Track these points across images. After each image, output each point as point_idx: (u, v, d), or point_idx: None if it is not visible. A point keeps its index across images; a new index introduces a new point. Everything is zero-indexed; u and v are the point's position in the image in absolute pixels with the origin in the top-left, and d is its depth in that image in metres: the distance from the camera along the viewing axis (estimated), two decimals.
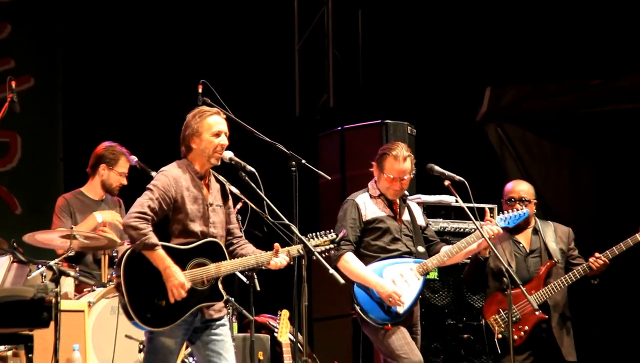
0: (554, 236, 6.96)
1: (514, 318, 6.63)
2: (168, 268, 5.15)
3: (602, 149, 9.49)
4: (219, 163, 5.42)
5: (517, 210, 6.59)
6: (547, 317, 6.71)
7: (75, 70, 9.49)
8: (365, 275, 6.17)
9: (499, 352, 6.62)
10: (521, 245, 6.93)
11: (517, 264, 6.80)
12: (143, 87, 9.57)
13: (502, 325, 6.69)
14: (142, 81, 9.57)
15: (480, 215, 6.51)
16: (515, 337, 6.64)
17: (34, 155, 9.31)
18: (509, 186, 7.04)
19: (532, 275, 6.80)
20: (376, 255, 6.22)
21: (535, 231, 6.97)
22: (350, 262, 6.20)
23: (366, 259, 6.23)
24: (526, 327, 6.69)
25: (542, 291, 6.73)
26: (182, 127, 5.44)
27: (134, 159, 7.09)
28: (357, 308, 6.17)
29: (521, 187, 7.00)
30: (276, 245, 5.42)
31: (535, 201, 6.98)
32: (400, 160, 6.27)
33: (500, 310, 6.72)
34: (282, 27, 10.41)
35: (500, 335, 6.66)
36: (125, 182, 7.33)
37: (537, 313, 6.63)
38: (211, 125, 5.37)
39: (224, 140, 5.39)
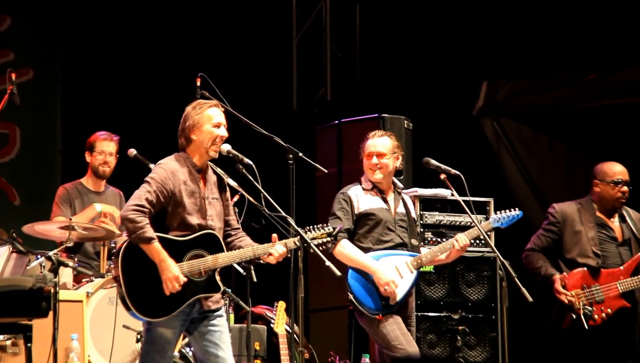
0: (634, 223, 6.85)
1: (598, 298, 6.62)
2: (163, 261, 5.17)
3: (598, 144, 9.50)
4: (217, 156, 5.46)
5: (511, 210, 6.48)
6: (630, 306, 6.65)
7: (74, 62, 9.50)
8: (364, 260, 6.15)
9: (586, 327, 6.54)
10: (613, 232, 6.82)
11: (609, 250, 6.72)
12: (142, 79, 9.58)
13: (585, 302, 6.62)
14: (141, 74, 9.59)
15: (477, 208, 6.54)
16: (596, 316, 6.60)
17: (32, 147, 9.34)
18: (610, 168, 6.85)
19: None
20: (370, 247, 6.23)
21: (623, 218, 6.85)
22: (347, 247, 6.19)
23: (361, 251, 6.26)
24: (608, 310, 6.62)
25: (632, 280, 6.64)
26: (180, 119, 5.48)
27: (133, 151, 7.13)
28: (351, 296, 6.18)
29: (623, 169, 6.84)
30: (274, 236, 5.45)
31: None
32: (372, 135, 6.34)
33: (585, 286, 6.65)
34: (280, 21, 10.42)
35: (581, 312, 6.57)
36: (108, 160, 7.38)
37: (621, 300, 6.59)
38: (211, 117, 5.41)
39: (223, 131, 5.42)
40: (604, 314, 6.62)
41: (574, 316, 6.60)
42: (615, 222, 6.86)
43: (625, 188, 6.78)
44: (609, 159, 8.27)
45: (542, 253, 6.87)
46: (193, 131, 5.39)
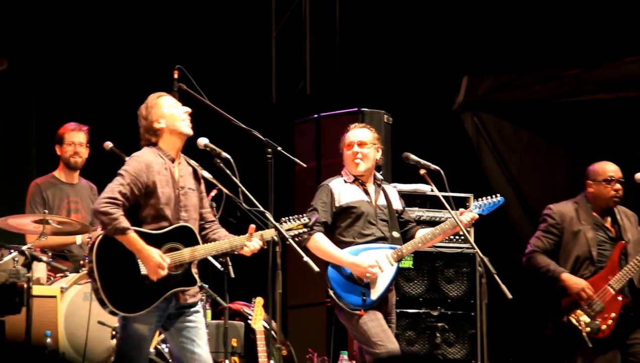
0: (623, 222, 6.73)
1: (597, 308, 6.50)
2: (142, 250, 5.13)
3: (577, 139, 9.54)
4: (192, 133, 5.39)
5: (492, 197, 6.44)
6: (631, 299, 6.54)
7: (49, 53, 9.41)
8: (337, 254, 6.11)
9: (590, 345, 6.41)
10: (610, 232, 6.69)
11: (608, 251, 6.59)
12: (119, 72, 9.50)
13: (587, 319, 6.47)
14: (118, 66, 9.51)
15: (457, 204, 6.51)
16: (604, 326, 6.47)
17: (7, 139, 9.24)
18: (602, 166, 6.72)
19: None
20: (351, 241, 6.18)
21: (615, 219, 6.70)
22: (320, 241, 6.13)
23: (341, 245, 6.18)
24: (612, 314, 6.49)
25: (620, 274, 6.52)
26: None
27: (109, 144, 7.06)
28: (331, 292, 6.13)
29: (615, 167, 6.71)
30: (251, 226, 5.40)
31: None
32: (352, 127, 6.32)
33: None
34: (259, 14, 10.38)
35: (588, 329, 6.44)
36: (78, 150, 7.32)
37: (619, 298, 6.47)
38: (164, 101, 5.40)
39: (184, 108, 5.40)
40: (609, 320, 6.50)
41: (585, 335, 6.44)
42: (610, 223, 6.74)
43: (618, 185, 6.67)
44: (588, 153, 8.27)
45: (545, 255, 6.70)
46: (156, 120, 5.35)
